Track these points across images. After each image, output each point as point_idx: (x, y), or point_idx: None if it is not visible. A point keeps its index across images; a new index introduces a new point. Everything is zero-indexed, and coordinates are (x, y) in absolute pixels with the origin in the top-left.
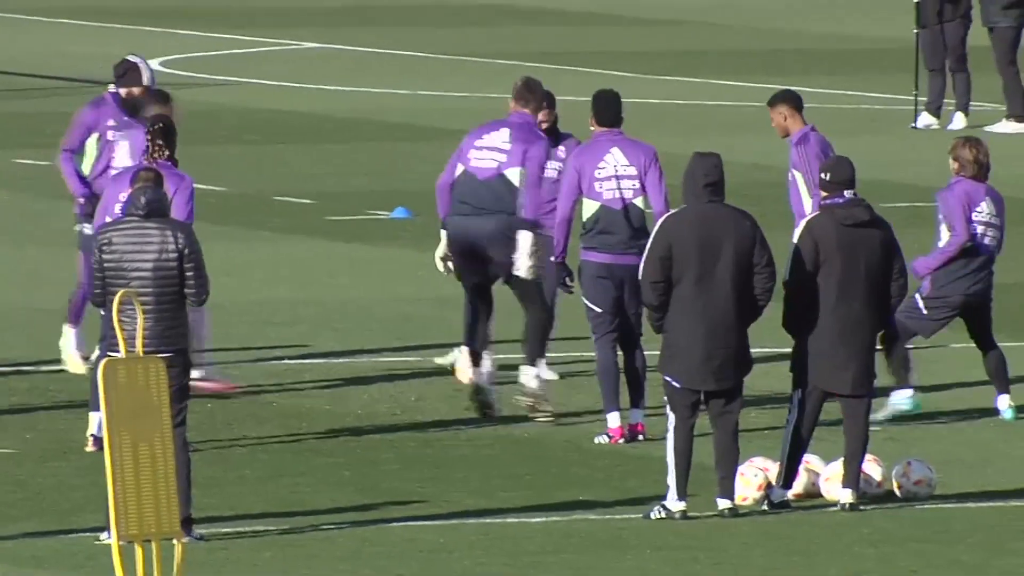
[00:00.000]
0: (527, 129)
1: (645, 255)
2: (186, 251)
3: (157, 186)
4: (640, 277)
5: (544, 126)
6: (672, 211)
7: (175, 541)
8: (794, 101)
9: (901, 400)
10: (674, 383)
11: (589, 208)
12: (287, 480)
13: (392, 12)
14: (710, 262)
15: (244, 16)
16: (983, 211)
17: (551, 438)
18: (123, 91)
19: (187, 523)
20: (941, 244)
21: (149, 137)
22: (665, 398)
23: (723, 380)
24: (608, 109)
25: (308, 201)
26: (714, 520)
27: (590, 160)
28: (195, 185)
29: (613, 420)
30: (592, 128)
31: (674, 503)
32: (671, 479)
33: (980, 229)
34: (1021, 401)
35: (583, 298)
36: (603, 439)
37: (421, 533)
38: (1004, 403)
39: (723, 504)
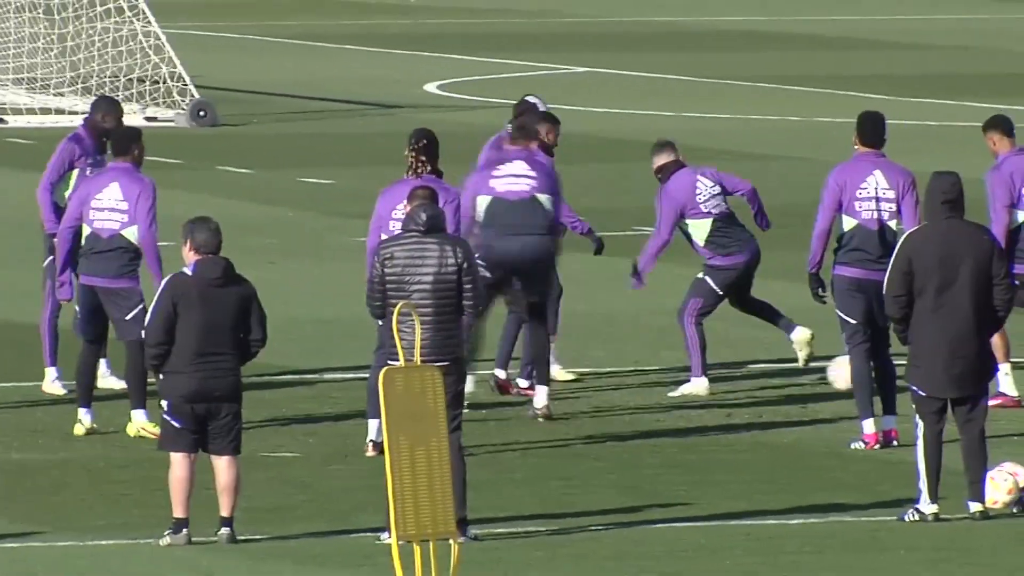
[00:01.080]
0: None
1: (889, 270)
2: (464, 265)
3: (434, 203)
4: (884, 291)
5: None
6: (913, 228)
7: (451, 541)
8: (1002, 126)
9: None
10: (919, 391)
11: (846, 224)
12: (556, 483)
13: (659, 38)
14: (950, 276)
15: (517, 41)
16: None
17: (808, 443)
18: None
19: (462, 523)
20: None
21: (413, 154)
22: (913, 405)
23: (964, 388)
24: (873, 130)
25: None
26: (965, 522)
27: (853, 179)
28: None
29: (868, 427)
30: (856, 147)
31: (926, 506)
32: (922, 483)
33: None
34: None
35: (836, 310)
36: (859, 445)
37: (684, 534)
38: None
39: (974, 507)
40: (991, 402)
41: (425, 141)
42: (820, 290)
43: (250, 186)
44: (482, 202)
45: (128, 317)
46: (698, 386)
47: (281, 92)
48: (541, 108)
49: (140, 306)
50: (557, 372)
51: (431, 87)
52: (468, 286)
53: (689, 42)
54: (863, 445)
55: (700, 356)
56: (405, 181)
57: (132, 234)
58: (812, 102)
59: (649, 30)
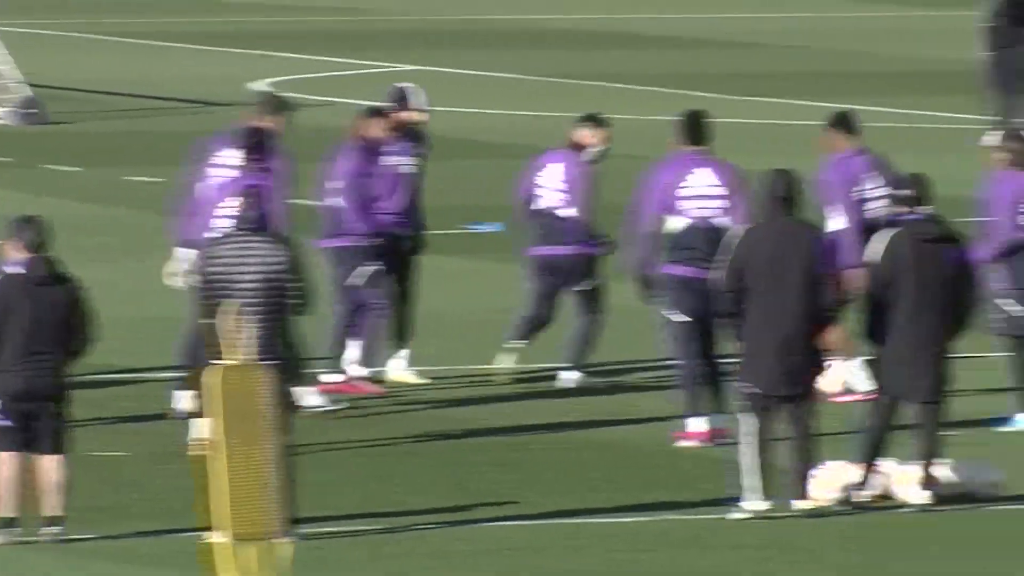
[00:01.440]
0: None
1: (721, 267)
2: (290, 264)
3: (261, 201)
4: (717, 287)
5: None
6: (748, 225)
7: (279, 540)
8: (846, 124)
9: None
10: (748, 388)
11: (675, 223)
12: (384, 482)
13: (488, 36)
14: (780, 274)
15: (345, 39)
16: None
17: (638, 442)
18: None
19: (291, 523)
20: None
21: (244, 151)
22: (741, 403)
23: (793, 386)
24: (696, 129)
25: None
26: (790, 520)
27: (676, 178)
28: (303, 202)
29: (695, 424)
30: (677, 147)
31: (752, 503)
32: (748, 481)
33: None
34: None
35: (666, 309)
36: (687, 443)
37: (512, 533)
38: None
39: (798, 505)
40: (845, 398)
41: (255, 139)
42: (648, 290)
43: (80, 184)
44: None
45: None
46: (504, 358)
47: (111, 90)
48: (412, 97)
49: None
50: (404, 375)
51: (262, 85)
52: (293, 285)
53: (518, 40)
54: (690, 443)
55: (523, 324)
56: (236, 179)
57: None
58: (643, 100)
59: (479, 28)
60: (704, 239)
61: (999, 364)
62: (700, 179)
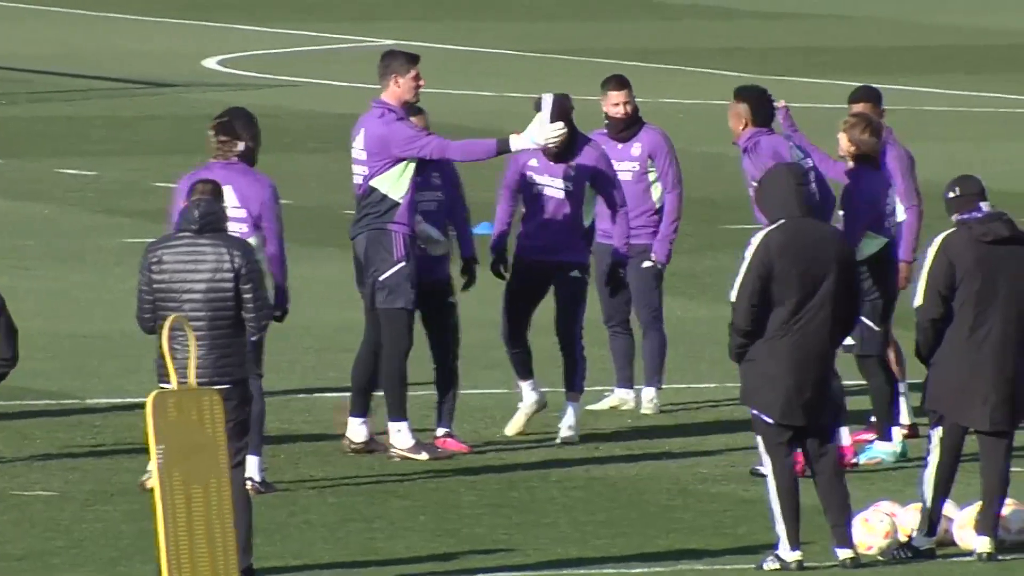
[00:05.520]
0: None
1: (741, 274)
2: (243, 270)
3: (215, 198)
4: (734, 300)
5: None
6: (770, 226)
7: None
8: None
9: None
10: (765, 418)
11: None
12: (359, 525)
13: (477, 6)
14: (813, 285)
15: (313, 9)
16: None
17: (651, 479)
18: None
19: (247, 573)
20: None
21: (212, 132)
22: (758, 438)
23: (815, 415)
24: None
25: None
26: (833, 571)
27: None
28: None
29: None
30: None
31: (787, 553)
32: (779, 528)
33: None
34: None
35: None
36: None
37: None
38: None
39: (842, 554)
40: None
41: (226, 117)
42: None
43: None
44: None
45: None
46: None
47: (36, 68)
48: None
49: None
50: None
51: (211, 63)
52: (248, 296)
53: (515, 10)
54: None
55: None
56: (208, 166)
57: None
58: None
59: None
60: None
61: None
62: None
